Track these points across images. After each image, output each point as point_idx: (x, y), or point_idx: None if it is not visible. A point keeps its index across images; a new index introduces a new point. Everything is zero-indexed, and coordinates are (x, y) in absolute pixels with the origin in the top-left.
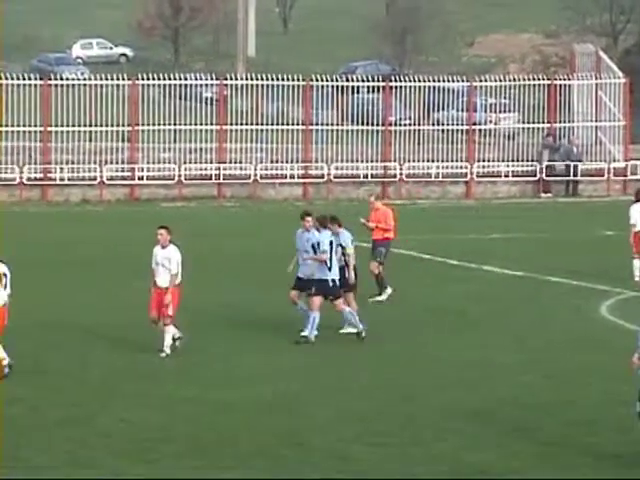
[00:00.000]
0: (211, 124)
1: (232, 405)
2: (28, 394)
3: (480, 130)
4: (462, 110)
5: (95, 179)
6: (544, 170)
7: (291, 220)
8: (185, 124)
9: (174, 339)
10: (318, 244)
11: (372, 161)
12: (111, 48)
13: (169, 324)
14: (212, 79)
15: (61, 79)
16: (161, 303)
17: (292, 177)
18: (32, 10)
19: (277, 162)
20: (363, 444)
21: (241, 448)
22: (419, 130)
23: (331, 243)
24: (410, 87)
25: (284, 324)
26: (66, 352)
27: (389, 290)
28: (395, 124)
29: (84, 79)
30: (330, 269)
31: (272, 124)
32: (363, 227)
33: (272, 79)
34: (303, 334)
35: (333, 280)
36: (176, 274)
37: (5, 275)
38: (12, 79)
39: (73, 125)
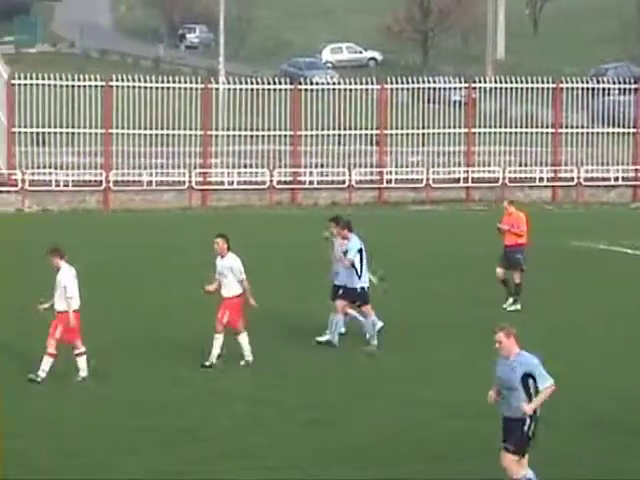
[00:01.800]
0: (459, 127)
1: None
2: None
3: None
4: None
5: (344, 182)
6: None
7: (540, 224)
8: (433, 127)
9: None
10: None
11: (623, 164)
12: (360, 52)
13: (238, 332)
14: (461, 82)
15: (311, 83)
16: (231, 313)
17: (541, 180)
18: (284, 16)
19: (526, 165)
20: None
21: None
22: None
23: (360, 250)
24: None
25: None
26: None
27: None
28: None
29: (333, 83)
30: (359, 276)
31: (521, 127)
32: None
33: (521, 81)
34: (322, 339)
35: (362, 287)
36: (243, 279)
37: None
38: (263, 84)
39: (322, 129)
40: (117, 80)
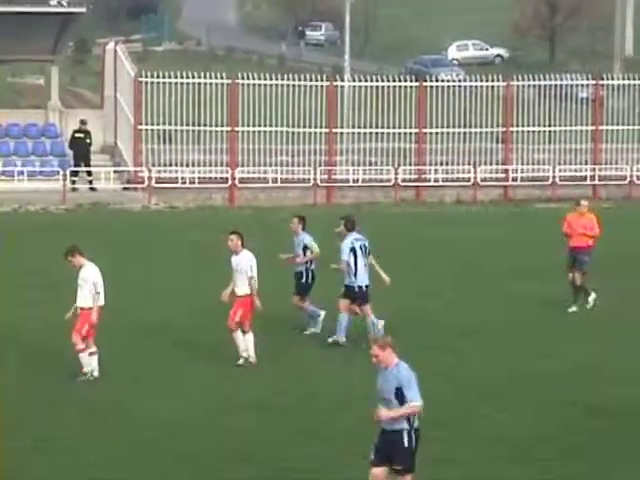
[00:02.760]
0: (586, 124)
1: None
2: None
3: None
4: None
5: (469, 180)
6: None
7: None
8: (560, 125)
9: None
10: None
11: None
12: (487, 49)
13: (230, 329)
14: (588, 79)
15: (436, 81)
16: (243, 311)
17: None
18: (410, 13)
19: None
20: None
21: None
22: None
23: (353, 249)
24: None
25: None
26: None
27: (593, 295)
28: None
29: (459, 81)
30: (355, 275)
31: None
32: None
33: None
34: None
35: (359, 287)
36: (252, 277)
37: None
38: (388, 81)
39: (447, 126)
40: (243, 78)
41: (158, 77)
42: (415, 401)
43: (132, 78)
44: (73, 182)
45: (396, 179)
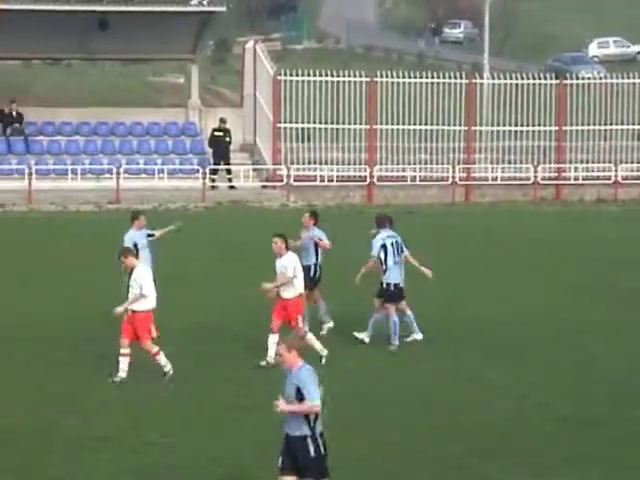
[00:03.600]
0: None
1: None
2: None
3: None
4: None
5: (610, 178)
6: None
7: None
8: None
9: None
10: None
11: None
12: (628, 47)
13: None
14: None
15: (577, 78)
16: (287, 314)
17: None
18: (549, 10)
19: None
20: None
21: None
22: None
23: (384, 245)
24: None
25: None
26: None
27: None
28: None
29: (600, 78)
30: (385, 272)
31: None
32: None
33: None
34: (393, 343)
35: (388, 284)
36: (294, 277)
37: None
38: (528, 79)
39: (588, 124)
40: (381, 76)
41: (297, 75)
42: (312, 401)
43: (271, 76)
44: (212, 180)
45: (535, 177)
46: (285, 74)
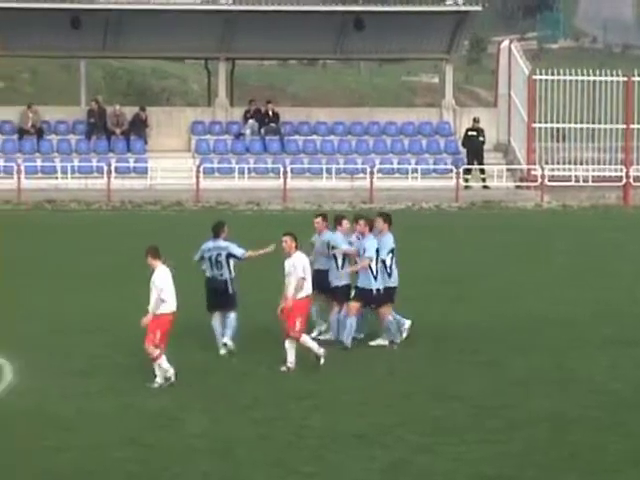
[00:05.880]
0: None
1: None
2: None
3: None
4: None
5: None
6: None
7: None
8: None
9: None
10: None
11: None
12: None
13: (295, 338)
14: None
15: None
16: (290, 313)
17: None
18: None
19: None
20: None
21: None
22: None
23: (377, 250)
24: None
25: None
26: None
27: None
28: None
29: None
30: (375, 278)
31: None
32: None
33: None
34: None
35: (378, 289)
36: (303, 278)
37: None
38: None
39: None
40: (639, 75)
41: (552, 75)
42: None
43: (526, 76)
44: (466, 180)
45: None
46: (540, 73)
